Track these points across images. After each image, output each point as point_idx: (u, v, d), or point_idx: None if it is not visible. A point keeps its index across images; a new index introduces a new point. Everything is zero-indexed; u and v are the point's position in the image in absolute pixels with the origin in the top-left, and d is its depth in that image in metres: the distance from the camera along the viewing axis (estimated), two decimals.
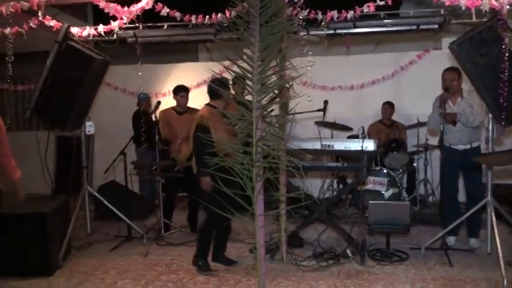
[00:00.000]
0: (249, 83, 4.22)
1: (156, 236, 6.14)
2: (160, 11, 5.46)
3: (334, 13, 5.32)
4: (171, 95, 6.49)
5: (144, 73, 8.98)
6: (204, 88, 5.40)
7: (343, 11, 5.30)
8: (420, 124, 7.23)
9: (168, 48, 7.94)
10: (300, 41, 5.13)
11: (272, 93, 5.02)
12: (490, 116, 4.96)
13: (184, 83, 6.57)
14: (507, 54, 4.58)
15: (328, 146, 5.34)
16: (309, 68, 4.30)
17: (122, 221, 6.11)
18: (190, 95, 6.45)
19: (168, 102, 7.08)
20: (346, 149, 5.37)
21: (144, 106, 7.48)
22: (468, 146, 5.46)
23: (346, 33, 5.48)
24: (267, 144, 4.35)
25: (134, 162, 6.00)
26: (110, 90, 9.09)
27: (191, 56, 9.84)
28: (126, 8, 5.41)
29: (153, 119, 6.11)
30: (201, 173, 4.77)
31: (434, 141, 7.13)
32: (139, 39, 5.59)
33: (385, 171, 6.89)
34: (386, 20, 5.34)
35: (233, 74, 4.10)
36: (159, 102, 6.32)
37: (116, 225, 6.35)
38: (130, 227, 6.12)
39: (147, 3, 5.33)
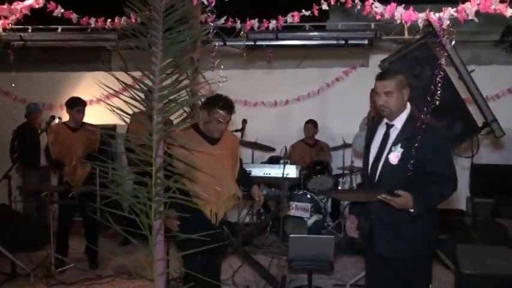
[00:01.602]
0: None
1: (46, 274, 5.22)
2: (53, 11, 4.65)
3: (255, 22, 4.76)
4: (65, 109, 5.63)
5: (50, 82, 8.22)
6: (114, 101, 4.54)
7: (264, 20, 4.75)
8: (346, 145, 6.79)
9: (81, 55, 7.09)
10: (211, 52, 4.47)
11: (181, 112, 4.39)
12: None
13: (92, 94, 5.76)
14: (440, 76, 4.15)
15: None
16: (220, 84, 3.67)
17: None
18: (95, 109, 5.66)
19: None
20: (266, 175, 4.80)
21: (32, 119, 6.59)
22: None
23: (267, 46, 4.92)
24: (169, 174, 3.68)
25: (20, 187, 5.11)
26: (7, 100, 8.12)
27: (105, 64, 8.99)
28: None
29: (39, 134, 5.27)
30: None
31: (359, 163, 6.69)
32: (27, 43, 4.74)
33: (308, 196, 6.36)
34: (312, 33, 4.84)
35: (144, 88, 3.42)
36: (52, 117, 5.49)
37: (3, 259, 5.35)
38: (14, 263, 5.19)
39: (36, 1, 4.51)
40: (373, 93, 5.23)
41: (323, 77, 7.86)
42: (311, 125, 7.25)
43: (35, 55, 8.19)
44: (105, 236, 6.40)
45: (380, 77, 3.07)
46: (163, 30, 3.55)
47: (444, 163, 2.95)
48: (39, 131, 5.46)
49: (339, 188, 6.99)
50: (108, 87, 3.13)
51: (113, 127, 6.88)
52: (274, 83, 7.77)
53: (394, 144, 3.01)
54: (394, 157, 2.98)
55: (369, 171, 3.15)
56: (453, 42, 4.10)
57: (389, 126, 3.10)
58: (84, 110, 5.41)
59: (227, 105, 3.58)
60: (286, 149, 5.73)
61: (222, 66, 4.37)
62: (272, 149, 7.03)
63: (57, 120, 7.29)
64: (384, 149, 3.06)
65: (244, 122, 6.03)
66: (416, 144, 2.91)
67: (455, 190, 2.99)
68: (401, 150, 2.97)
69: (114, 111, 3.49)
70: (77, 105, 5.32)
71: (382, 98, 3.01)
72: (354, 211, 3.38)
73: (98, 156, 3.70)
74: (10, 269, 5.21)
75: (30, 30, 4.79)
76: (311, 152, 7.18)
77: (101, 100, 6.84)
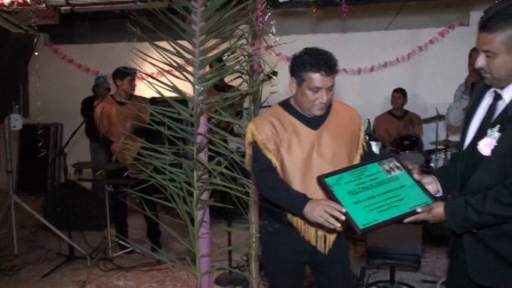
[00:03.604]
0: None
1: (103, 257, 4.90)
2: None
3: None
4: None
5: (121, 53, 7.93)
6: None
7: None
8: (439, 117, 5.90)
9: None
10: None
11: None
12: None
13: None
14: None
15: None
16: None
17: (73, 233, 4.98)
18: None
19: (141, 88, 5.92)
20: None
21: (99, 92, 6.27)
22: None
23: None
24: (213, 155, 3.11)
25: (76, 164, 4.78)
26: (81, 73, 7.99)
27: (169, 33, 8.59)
28: None
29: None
30: None
31: (456, 138, 5.79)
32: (75, 7, 4.33)
33: None
34: None
35: None
36: (108, 89, 5.11)
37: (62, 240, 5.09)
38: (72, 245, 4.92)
39: None
40: (473, 53, 4.43)
41: (414, 39, 6.91)
42: (399, 94, 6.37)
43: (105, 25, 8.01)
44: (175, 215, 6.03)
45: (480, 26, 2.01)
46: None
47: None
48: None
49: (431, 165, 6.12)
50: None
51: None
52: (356, 48, 6.96)
53: (492, 125, 2.05)
54: (486, 145, 2.04)
55: (461, 155, 2.20)
56: None
57: (497, 97, 2.11)
58: (134, 80, 4.95)
59: (323, 61, 2.28)
60: (369, 122, 5.01)
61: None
62: None
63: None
64: (484, 129, 2.10)
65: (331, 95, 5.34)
66: None
67: None
68: (498, 135, 2.01)
69: (162, 86, 2.99)
70: (127, 74, 4.86)
71: (481, 57, 2.04)
72: None
73: (149, 130, 3.16)
74: (68, 251, 4.96)
75: None
76: (398, 124, 6.33)
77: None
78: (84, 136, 6.66)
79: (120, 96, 5.00)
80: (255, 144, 2.43)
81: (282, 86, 3.27)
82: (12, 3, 4.45)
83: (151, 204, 3.30)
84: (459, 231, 2.10)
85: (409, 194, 2.24)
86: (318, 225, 2.29)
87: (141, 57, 2.99)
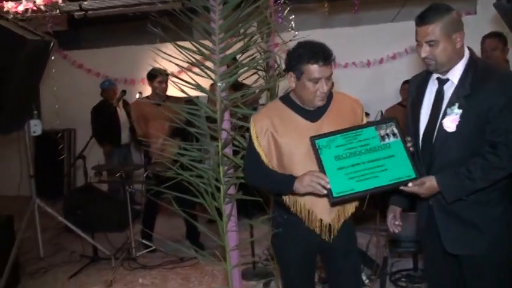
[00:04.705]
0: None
1: (127, 257, 4.98)
2: None
3: None
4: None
5: (130, 56, 7.99)
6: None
7: None
8: None
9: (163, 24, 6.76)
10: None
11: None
12: None
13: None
14: None
15: None
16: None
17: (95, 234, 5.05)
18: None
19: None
20: None
21: (109, 95, 6.34)
22: None
23: None
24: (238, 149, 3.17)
25: (96, 166, 4.85)
26: (91, 77, 8.01)
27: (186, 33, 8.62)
28: None
29: (118, 111, 4.93)
30: None
31: None
32: (88, 12, 4.39)
33: None
34: None
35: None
36: (124, 92, 5.16)
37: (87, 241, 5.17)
38: (96, 246, 4.99)
39: None
40: (486, 40, 4.45)
41: None
42: (408, 85, 6.40)
43: (113, 29, 8.05)
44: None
45: (418, 21, 2.31)
46: None
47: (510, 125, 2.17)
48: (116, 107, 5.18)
49: None
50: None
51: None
52: (365, 40, 6.96)
53: (450, 104, 2.28)
54: (451, 121, 2.25)
55: (420, 144, 2.39)
56: None
57: (442, 82, 2.37)
58: (166, 80, 4.96)
59: (320, 53, 2.36)
60: (382, 113, 5.06)
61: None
62: (366, 114, 6.29)
63: (137, 96, 7.08)
64: (437, 112, 2.34)
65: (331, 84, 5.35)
66: (479, 102, 2.20)
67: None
68: (460, 111, 2.23)
69: (185, 84, 3.04)
70: (157, 76, 4.90)
71: (425, 48, 2.28)
72: (396, 200, 2.62)
73: (186, 131, 3.18)
74: (92, 253, 5.03)
75: None
76: None
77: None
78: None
79: (155, 97, 5.02)
80: (249, 137, 2.53)
81: None
82: (26, 10, 4.52)
83: (190, 205, 3.31)
84: (451, 201, 2.24)
85: (395, 165, 2.27)
86: (313, 195, 2.35)
87: (162, 58, 3.03)
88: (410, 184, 2.24)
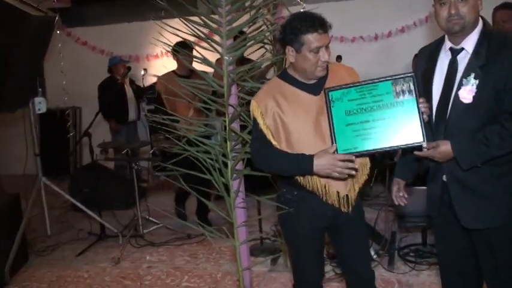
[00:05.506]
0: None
1: (134, 234, 4.98)
2: None
3: None
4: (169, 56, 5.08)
5: (135, 33, 7.90)
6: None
7: None
8: None
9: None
10: None
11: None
12: None
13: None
14: None
15: None
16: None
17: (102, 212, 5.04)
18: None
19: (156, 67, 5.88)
20: None
21: (117, 72, 6.26)
22: None
23: None
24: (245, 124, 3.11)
25: (101, 144, 4.81)
26: (96, 55, 7.97)
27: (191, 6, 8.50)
28: None
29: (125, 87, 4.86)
30: None
31: None
32: None
33: None
34: None
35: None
36: (129, 68, 5.09)
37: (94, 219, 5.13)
38: (103, 224, 4.99)
39: None
40: (497, 12, 4.35)
41: (431, 1, 6.73)
42: None
43: (117, 5, 7.94)
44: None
45: None
46: None
47: None
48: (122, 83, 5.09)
49: None
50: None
51: None
52: (372, 14, 6.83)
53: (465, 75, 2.18)
54: (467, 92, 2.16)
55: (434, 117, 2.29)
56: None
57: (455, 52, 2.26)
58: (190, 54, 4.83)
59: (317, 21, 2.31)
60: None
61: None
62: None
63: (142, 72, 7.01)
64: (452, 84, 2.24)
65: (339, 58, 5.24)
66: (496, 71, 2.10)
67: None
68: (476, 81, 2.14)
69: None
70: (183, 49, 4.74)
71: (455, 4, 2.17)
72: (400, 172, 2.57)
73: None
74: (99, 230, 5.03)
75: None
76: None
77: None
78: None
79: (181, 70, 4.93)
80: (254, 120, 2.47)
81: None
82: None
83: (197, 181, 3.23)
84: (466, 167, 2.17)
85: (404, 126, 2.22)
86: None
87: (169, 32, 2.95)
88: (424, 147, 2.18)
